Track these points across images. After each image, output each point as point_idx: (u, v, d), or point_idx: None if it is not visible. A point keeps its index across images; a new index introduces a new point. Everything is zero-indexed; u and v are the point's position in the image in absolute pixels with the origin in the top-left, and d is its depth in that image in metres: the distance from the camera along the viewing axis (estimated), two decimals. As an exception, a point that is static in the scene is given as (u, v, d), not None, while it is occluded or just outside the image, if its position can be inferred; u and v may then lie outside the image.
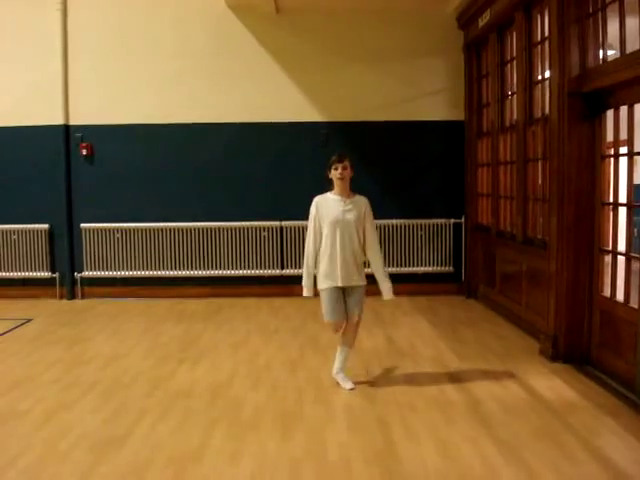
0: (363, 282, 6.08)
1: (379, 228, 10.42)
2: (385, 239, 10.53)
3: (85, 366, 6.88)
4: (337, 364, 6.18)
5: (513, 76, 8.65)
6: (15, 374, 6.60)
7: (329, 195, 6.05)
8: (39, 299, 10.48)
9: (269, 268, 10.59)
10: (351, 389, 5.99)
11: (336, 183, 6.01)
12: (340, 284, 5.92)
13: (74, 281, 10.63)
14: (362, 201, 6.08)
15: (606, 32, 6.34)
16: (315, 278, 6.06)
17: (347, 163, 5.99)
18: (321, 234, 5.99)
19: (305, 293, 6.08)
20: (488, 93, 9.65)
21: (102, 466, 4.46)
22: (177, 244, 10.56)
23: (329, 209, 5.96)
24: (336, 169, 5.97)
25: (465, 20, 10.05)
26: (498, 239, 9.20)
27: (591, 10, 6.45)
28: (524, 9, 7.89)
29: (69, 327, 8.72)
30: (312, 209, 6.04)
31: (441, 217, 10.60)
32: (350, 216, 5.94)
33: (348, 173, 6.00)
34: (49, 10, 10.26)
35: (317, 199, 6.06)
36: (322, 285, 6.00)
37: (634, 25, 5.65)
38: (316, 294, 6.10)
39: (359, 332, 6.32)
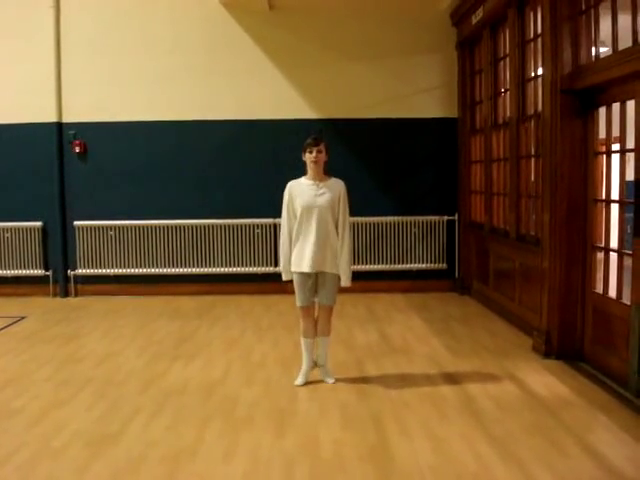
0: (335, 270, 5.94)
1: (373, 225, 10.48)
2: (379, 236, 10.55)
3: (79, 364, 6.88)
4: (319, 358, 6.17)
5: (506, 73, 8.66)
6: (9, 372, 6.60)
7: (302, 180, 5.99)
8: (32, 297, 10.46)
9: (263, 265, 10.59)
10: (334, 382, 6.07)
11: (309, 167, 5.94)
12: (307, 270, 5.85)
13: (68, 279, 10.62)
14: (338, 184, 5.98)
15: (598, 29, 6.35)
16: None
17: (322, 147, 5.90)
18: (295, 219, 5.93)
19: (284, 277, 6.08)
20: (481, 90, 9.66)
21: (96, 463, 4.46)
22: (171, 241, 10.55)
23: (302, 194, 5.88)
24: (310, 152, 5.88)
25: (458, 17, 10.06)
26: (491, 236, 9.22)
27: (583, 7, 6.47)
28: (517, 6, 7.90)
29: (63, 325, 8.71)
30: (285, 194, 5.98)
31: (434, 214, 10.61)
32: (322, 200, 5.85)
33: (322, 157, 5.91)
34: (42, 7, 10.22)
35: (290, 184, 6.00)
36: (293, 268, 5.96)
37: (626, 22, 5.65)
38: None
39: (333, 322, 6.24)
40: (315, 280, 5.96)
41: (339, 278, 6.00)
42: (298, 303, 6.02)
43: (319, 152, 5.89)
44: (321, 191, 5.88)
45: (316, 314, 6.14)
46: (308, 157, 5.91)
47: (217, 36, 10.37)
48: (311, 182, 5.93)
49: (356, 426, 5.10)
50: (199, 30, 10.37)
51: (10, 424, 5.21)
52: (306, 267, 5.86)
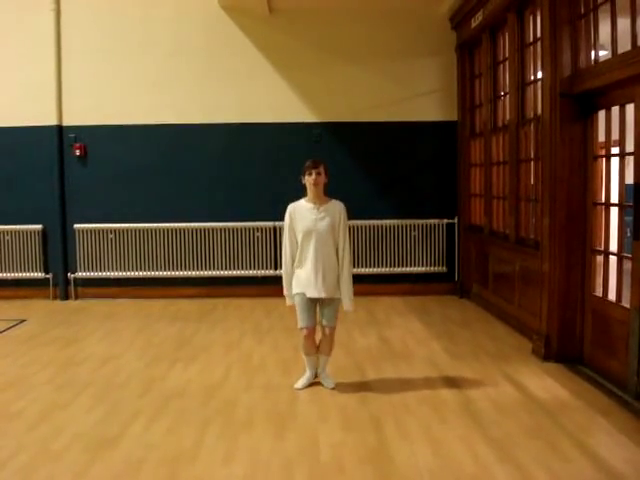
0: (337, 295, 5.93)
1: (373, 228, 10.47)
2: (378, 239, 10.56)
3: (79, 367, 6.88)
4: (308, 373, 6.18)
5: (505, 77, 8.68)
6: (8, 375, 6.60)
7: (302, 202, 5.95)
8: (33, 300, 10.46)
9: (263, 268, 10.59)
10: (333, 388, 6.05)
11: (309, 189, 5.90)
12: (309, 295, 5.84)
13: (68, 282, 10.62)
14: (337, 207, 5.94)
15: (598, 33, 6.37)
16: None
17: (322, 169, 5.86)
18: (297, 242, 5.92)
19: (288, 302, 6.08)
20: (481, 94, 9.68)
21: (95, 466, 4.46)
22: (171, 244, 10.56)
23: (302, 218, 5.86)
24: (310, 174, 5.84)
25: (458, 21, 10.08)
26: (491, 239, 9.22)
27: (583, 11, 6.48)
28: (516, 10, 7.92)
29: (63, 328, 8.71)
30: (286, 218, 5.96)
31: (434, 217, 10.61)
32: (323, 224, 5.83)
33: (322, 179, 5.88)
34: (43, 10, 10.25)
35: (290, 207, 5.96)
36: (294, 290, 5.95)
37: (626, 26, 5.67)
38: None
39: (335, 341, 6.19)
40: (316, 302, 5.96)
41: (339, 300, 5.99)
42: (300, 324, 5.98)
43: (318, 174, 5.85)
44: (321, 215, 5.85)
45: (318, 335, 6.10)
46: (308, 180, 5.88)
47: (217, 39, 10.38)
48: (311, 205, 5.89)
49: (356, 429, 5.11)
50: (199, 33, 10.38)
51: (10, 427, 5.21)
52: (310, 292, 5.84)
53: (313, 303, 5.94)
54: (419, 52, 10.50)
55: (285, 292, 6.05)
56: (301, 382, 6.12)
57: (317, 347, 6.14)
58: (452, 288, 10.62)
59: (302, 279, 5.88)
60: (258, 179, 10.49)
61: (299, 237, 5.88)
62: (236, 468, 4.44)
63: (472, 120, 10.13)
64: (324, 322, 5.97)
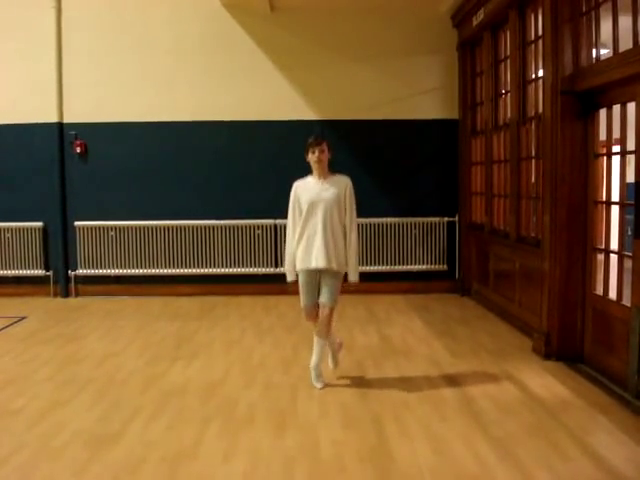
0: (339, 268, 5.89)
1: (374, 226, 10.47)
2: (379, 237, 10.56)
3: (79, 364, 6.88)
4: (313, 357, 6.08)
5: (507, 75, 8.67)
6: (9, 372, 6.60)
7: (308, 178, 5.99)
8: (33, 297, 10.46)
9: (263, 266, 10.59)
10: (321, 388, 5.97)
11: (313, 166, 5.93)
12: (314, 265, 5.80)
13: (68, 279, 10.62)
14: (343, 180, 5.97)
15: (599, 31, 6.36)
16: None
17: (324, 146, 5.89)
18: (301, 217, 5.90)
19: (288, 278, 6.07)
20: (482, 92, 9.67)
21: (96, 464, 4.47)
22: (171, 242, 10.56)
23: (307, 190, 5.89)
24: (313, 152, 5.87)
25: (459, 19, 10.07)
26: (492, 237, 9.22)
27: (584, 9, 6.48)
28: (518, 8, 7.91)
29: (63, 325, 8.71)
30: (291, 194, 5.98)
31: (435, 215, 10.61)
32: (328, 195, 5.83)
33: (325, 156, 5.91)
34: (43, 8, 10.23)
35: (296, 183, 6.00)
36: (297, 267, 5.94)
37: (627, 24, 5.66)
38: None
39: (333, 325, 6.19)
40: (319, 279, 5.94)
41: (342, 278, 5.98)
42: (302, 303, 5.99)
43: (321, 151, 5.88)
44: (326, 186, 5.88)
45: None
46: (311, 157, 5.91)
47: (218, 37, 10.38)
48: (316, 179, 5.94)
49: (356, 427, 5.11)
50: (200, 31, 10.38)
51: (10, 424, 5.21)
52: (313, 263, 5.81)
53: (315, 281, 5.92)
54: (420, 50, 10.49)
55: (286, 267, 6.03)
56: (319, 382, 6.04)
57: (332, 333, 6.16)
58: (453, 286, 10.62)
59: (307, 252, 5.85)
60: (258, 177, 10.49)
61: (304, 210, 5.86)
62: (236, 466, 4.44)
63: (473, 118, 10.12)
64: (322, 299, 5.91)
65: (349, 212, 5.95)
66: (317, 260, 5.81)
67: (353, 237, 5.97)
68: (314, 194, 5.85)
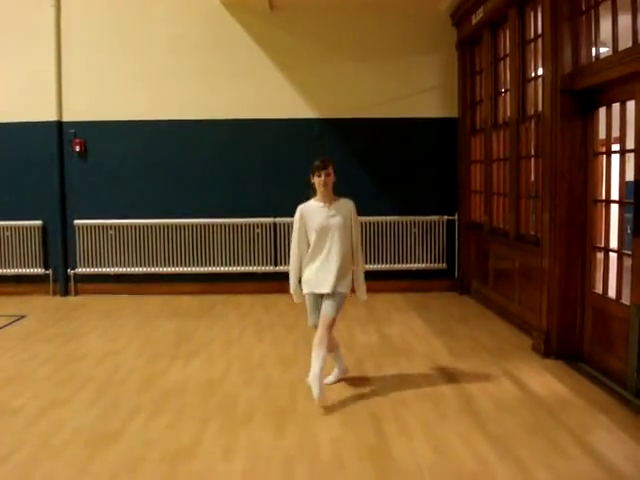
0: (345, 290, 5.88)
1: (373, 225, 10.48)
2: (379, 236, 10.56)
3: (79, 362, 6.88)
4: (313, 368, 5.73)
5: (506, 73, 8.67)
6: (8, 371, 6.60)
7: (312, 202, 5.93)
8: (33, 296, 10.46)
9: (263, 265, 10.59)
10: (319, 399, 5.60)
11: (319, 190, 5.87)
12: (324, 291, 5.78)
13: (67, 278, 10.62)
14: (347, 205, 5.94)
15: (599, 29, 6.36)
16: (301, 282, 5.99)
17: (330, 169, 5.84)
18: (307, 243, 5.88)
19: (295, 300, 6.05)
20: (481, 90, 9.67)
21: (95, 462, 4.47)
22: (171, 241, 10.56)
23: (314, 216, 5.84)
24: (319, 176, 5.81)
25: (458, 17, 10.06)
26: (491, 236, 9.22)
27: (584, 7, 6.48)
28: (517, 6, 7.90)
29: (62, 324, 8.71)
30: (296, 217, 5.92)
31: (434, 214, 10.61)
32: (335, 221, 5.81)
33: (331, 179, 5.86)
34: (43, 6, 10.23)
35: (301, 207, 5.92)
36: (304, 290, 5.92)
37: (626, 22, 5.66)
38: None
39: (334, 335, 6.05)
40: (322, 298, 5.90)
41: (345, 297, 5.94)
42: (310, 322, 5.99)
43: (327, 175, 5.82)
44: (332, 212, 5.85)
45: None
46: (317, 180, 5.85)
47: (218, 36, 10.37)
48: (321, 204, 5.88)
49: (355, 425, 5.11)
50: (200, 29, 10.37)
51: (10, 423, 5.22)
52: (324, 289, 5.78)
53: (320, 300, 5.88)
54: (420, 49, 10.48)
55: (292, 290, 5.99)
56: (329, 378, 6.10)
57: (334, 340, 6.07)
58: (452, 285, 10.62)
59: (311, 278, 5.85)
60: (258, 175, 10.48)
61: (312, 236, 5.84)
62: (236, 464, 4.44)
63: (472, 117, 10.12)
64: (324, 312, 5.77)
65: (355, 235, 5.96)
66: (327, 286, 5.78)
67: (360, 259, 6.04)
68: (322, 220, 5.82)
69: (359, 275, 6.05)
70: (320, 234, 5.82)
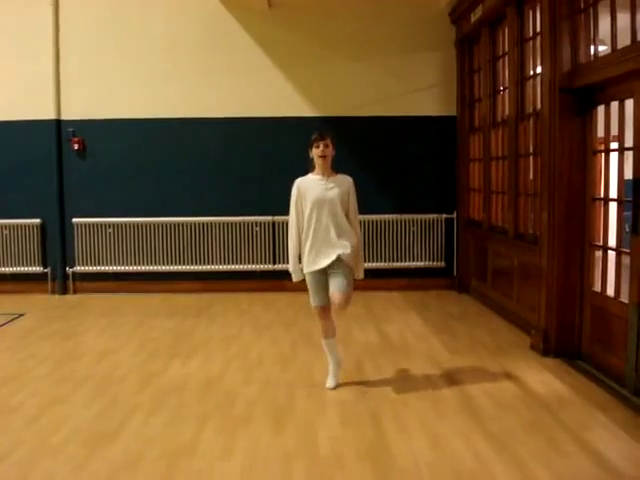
0: (348, 260, 5.70)
1: (372, 223, 10.47)
2: (377, 234, 10.56)
3: (77, 361, 6.88)
4: (331, 364, 5.98)
5: (505, 71, 8.66)
6: (7, 369, 6.60)
7: (310, 176, 5.85)
8: (31, 294, 10.44)
9: (261, 263, 10.58)
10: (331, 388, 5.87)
11: (317, 162, 5.80)
12: (323, 265, 5.66)
13: (66, 276, 10.61)
14: (346, 180, 5.86)
15: (597, 28, 6.36)
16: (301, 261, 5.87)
17: (329, 141, 5.78)
18: (304, 217, 5.77)
19: (294, 279, 5.91)
20: (480, 88, 9.66)
21: (94, 460, 4.47)
22: (169, 239, 10.55)
23: (311, 189, 5.74)
24: (317, 147, 5.75)
25: (457, 15, 10.06)
26: (490, 234, 9.22)
27: (582, 6, 6.47)
28: (516, 5, 7.90)
29: (61, 322, 8.70)
30: (293, 191, 5.82)
31: (433, 212, 10.61)
32: (332, 194, 5.71)
33: (330, 151, 5.80)
34: (41, 5, 10.21)
35: (298, 181, 5.83)
36: (306, 269, 5.79)
37: (625, 21, 5.66)
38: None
39: (338, 323, 6.09)
40: (327, 276, 5.74)
41: (352, 272, 5.81)
42: (314, 303, 5.82)
43: (326, 146, 5.77)
44: (330, 185, 5.76)
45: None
46: (315, 152, 5.78)
47: (216, 34, 10.36)
48: (319, 177, 5.80)
49: (354, 424, 5.11)
50: (198, 28, 10.36)
51: (8, 421, 5.21)
52: (323, 263, 5.67)
53: (325, 278, 5.73)
54: (418, 47, 10.47)
55: (291, 268, 5.89)
56: (330, 381, 5.90)
57: (334, 328, 5.98)
58: (451, 283, 10.62)
59: (316, 254, 5.71)
60: (257, 174, 10.48)
61: (307, 209, 5.72)
62: (234, 462, 4.44)
63: (471, 115, 10.11)
64: (334, 289, 5.61)
65: (352, 212, 5.85)
66: (329, 258, 5.66)
67: (358, 237, 5.91)
68: (319, 193, 5.72)
69: (357, 252, 5.87)
70: (317, 207, 5.69)
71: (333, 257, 5.66)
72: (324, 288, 5.76)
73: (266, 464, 4.42)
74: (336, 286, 5.63)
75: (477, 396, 5.67)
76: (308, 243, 5.76)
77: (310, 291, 5.84)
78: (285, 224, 10.02)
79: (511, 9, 8.01)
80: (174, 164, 10.52)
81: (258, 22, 10.35)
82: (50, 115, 10.38)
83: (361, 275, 5.99)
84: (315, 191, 5.74)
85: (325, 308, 5.84)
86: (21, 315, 9.05)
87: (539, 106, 7.31)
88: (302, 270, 5.87)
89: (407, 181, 10.60)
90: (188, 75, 10.40)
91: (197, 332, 8.09)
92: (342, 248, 5.69)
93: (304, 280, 5.90)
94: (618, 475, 4.22)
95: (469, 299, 9.95)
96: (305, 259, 5.80)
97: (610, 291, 6.16)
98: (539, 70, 7.28)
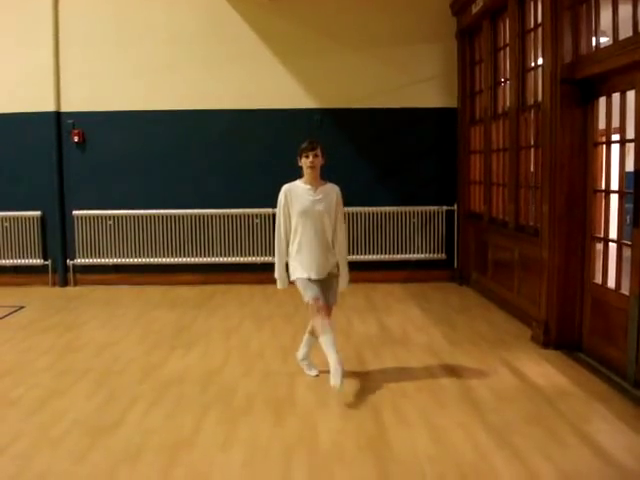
0: (335, 270, 5.84)
1: (372, 215, 10.47)
2: (378, 226, 10.55)
3: (78, 353, 6.89)
4: (303, 350, 6.09)
5: (506, 63, 8.63)
6: (7, 361, 6.61)
7: (298, 183, 5.82)
8: (31, 286, 10.46)
9: (262, 255, 10.58)
10: (316, 375, 5.96)
11: (306, 172, 5.76)
12: (313, 277, 5.69)
13: (66, 268, 10.62)
14: (333, 190, 5.83)
15: (599, 19, 6.33)
16: (288, 268, 5.88)
17: (318, 151, 5.73)
18: (290, 225, 5.78)
19: (279, 285, 5.89)
20: (481, 80, 9.64)
21: (95, 452, 4.47)
22: (170, 231, 10.55)
23: (298, 199, 5.72)
24: (307, 157, 5.70)
25: (458, 7, 10.02)
26: (490, 226, 9.21)
27: (584, -3, 6.46)
28: (517, -4, 7.88)
29: (61, 314, 8.71)
30: (280, 198, 5.80)
31: (434, 204, 10.60)
32: (320, 207, 5.70)
33: (319, 161, 5.75)
34: (40, -4, 10.21)
35: (285, 187, 5.81)
36: (294, 275, 5.79)
37: (627, 12, 5.64)
38: (291, 283, 5.93)
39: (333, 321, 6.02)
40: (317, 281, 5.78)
41: (337, 280, 5.90)
42: (307, 297, 5.68)
43: (315, 157, 5.71)
44: (319, 197, 5.73)
45: None
46: (304, 162, 5.74)
47: (216, 25, 10.33)
48: (308, 187, 5.76)
49: (355, 416, 5.11)
50: (198, 19, 10.33)
51: (9, 413, 5.22)
52: (313, 275, 5.69)
53: (314, 280, 5.75)
54: (419, 38, 10.44)
55: (277, 274, 5.87)
56: (335, 379, 5.41)
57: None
58: (451, 275, 10.62)
59: (300, 263, 5.73)
60: (257, 166, 10.47)
61: (294, 219, 5.74)
62: (235, 454, 4.44)
63: (472, 107, 10.09)
64: (329, 301, 5.80)
65: (339, 220, 5.86)
66: (316, 272, 5.70)
67: (344, 247, 5.93)
68: (307, 204, 5.70)
69: (343, 263, 5.89)
70: (304, 218, 5.70)
71: (322, 274, 5.72)
72: (314, 284, 5.73)
73: (266, 455, 4.42)
74: (331, 295, 5.82)
75: (477, 388, 5.68)
76: (295, 252, 5.79)
77: (301, 288, 5.78)
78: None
79: (512, 0, 7.98)
80: (175, 156, 10.50)
81: (259, 13, 10.32)
82: (50, 107, 10.36)
83: (345, 286, 5.96)
84: (302, 201, 5.73)
85: (318, 299, 5.67)
86: (22, 307, 9.05)
87: (540, 98, 7.28)
88: (289, 278, 5.89)
89: (408, 173, 10.58)
90: (189, 67, 10.38)
91: (198, 324, 8.10)
92: (329, 263, 5.78)
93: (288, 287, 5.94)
94: (618, 467, 4.22)
95: (469, 291, 9.95)
96: (294, 266, 5.81)
97: (611, 283, 6.15)
98: (540, 62, 7.25)
